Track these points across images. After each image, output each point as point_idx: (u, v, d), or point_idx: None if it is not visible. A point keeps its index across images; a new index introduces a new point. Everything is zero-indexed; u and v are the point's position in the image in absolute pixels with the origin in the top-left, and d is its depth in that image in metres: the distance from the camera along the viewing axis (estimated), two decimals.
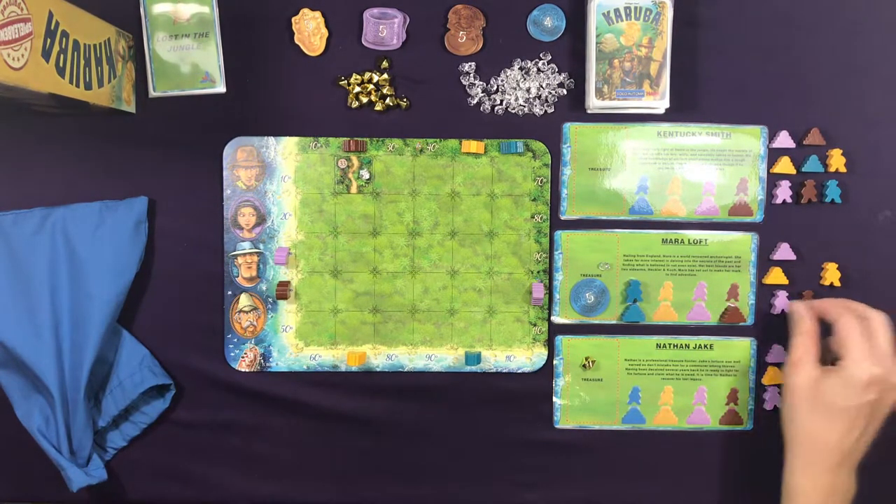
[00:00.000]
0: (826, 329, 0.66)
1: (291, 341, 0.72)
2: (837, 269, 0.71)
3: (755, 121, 0.71)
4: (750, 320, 0.72)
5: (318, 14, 0.70)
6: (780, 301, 0.71)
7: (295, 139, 0.70)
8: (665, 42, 0.68)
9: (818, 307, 0.67)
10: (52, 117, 0.69)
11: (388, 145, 0.71)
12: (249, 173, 0.71)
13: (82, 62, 0.60)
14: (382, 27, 0.70)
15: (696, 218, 0.72)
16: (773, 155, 0.71)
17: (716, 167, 0.71)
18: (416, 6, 0.70)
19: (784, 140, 0.71)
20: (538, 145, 0.71)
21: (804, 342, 0.65)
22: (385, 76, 0.69)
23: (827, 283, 0.71)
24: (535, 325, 0.72)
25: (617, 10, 0.67)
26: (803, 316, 0.66)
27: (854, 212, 0.71)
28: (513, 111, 0.71)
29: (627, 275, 0.72)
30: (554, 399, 0.73)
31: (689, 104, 0.71)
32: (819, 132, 0.70)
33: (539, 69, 0.70)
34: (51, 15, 0.55)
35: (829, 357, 0.65)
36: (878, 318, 0.63)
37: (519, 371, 0.72)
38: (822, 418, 0.61)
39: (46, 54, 0.55)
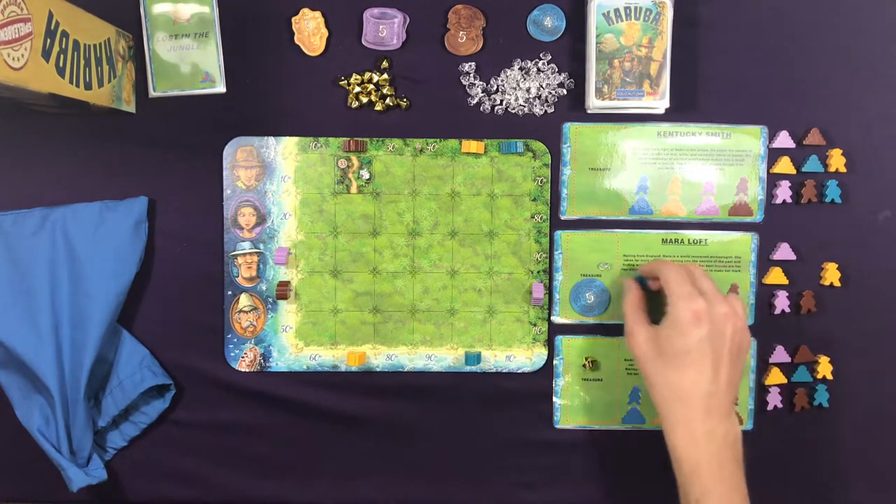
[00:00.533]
0: None
1: (291, 341, 0.72)
2: (837, 269, 0.71)
3: (755, 121, 0.71)
4: (750, 320, 0.72)
5: (318, 14, 0.70)
6: (781, 301, 0.71)
7: (295, 139, 0.70)
8: (665, 42, 0.68)
9: (645, 269, 0.68)
10: (52, 117, 0.69)
11: (388, 145, 0.71)
12: (249, 173, 0.71)
13: (82, 62, 0.60)
14: (382, 27, 0.70)
15: (696, 218, 0.72)
16: (773, 155, 0.71)
17: (716, 167, 0.71)
18: (416, 6, 0.70)
19: (784, 140, 0.71)
20: (538, 145, 0.71)
21: (631, 311, 0.65)
22: (385, 76, 0.69)
23: (827, 283, 0.71)
24: (535, 325, 0.72)
25: (617, 10, 0.67)
26: (628, 287, 0.67)
27: (854, 212, 0.71)
28: (513, 111, 0.71)
29: (627, 275, 0.72)
30: (554, 399, 0.73)
31: (689, 104, 0.71)
32: (819, 132, 0.70)
33: (539, 69, 0.70)
34: (51, 15, 0.55)
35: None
36: (695, 266, 0.65)
37: (519, 371, 0.72)
38: (669, 369, 0.61)
39: (46, 54, 0.55)
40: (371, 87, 0.70)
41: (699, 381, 0.60)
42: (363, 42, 0.70)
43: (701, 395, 0.60)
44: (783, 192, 0.71)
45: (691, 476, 0.58)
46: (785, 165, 0.71)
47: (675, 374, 0.60)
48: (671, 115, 0.70)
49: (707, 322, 0.60)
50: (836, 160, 0.70)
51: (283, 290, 0.70)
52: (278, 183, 0.71)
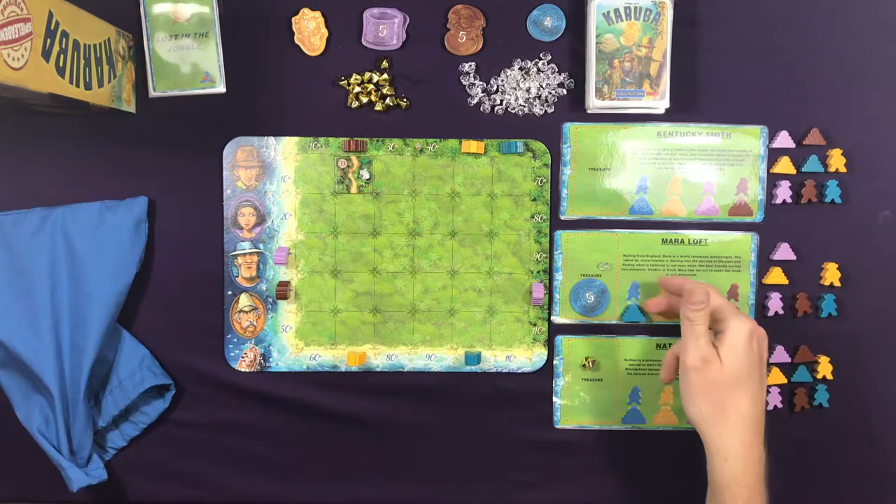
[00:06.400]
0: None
1: (291, 341, 0.72)
2: (837, 269, 0.71)
3: (755, 121, 0.71)
4: None
5: (318, 14, 0.70)
6: (774, 303, 0.71)
7: (295, 139, 0.70)
8: (665, 42, 0.68)
9: (669, 284, 0.68)
10: (52, 117, 0.69)
11: (388, 145, 0.71)
12: (249, 173, 0.71)
13: (82, 62, 0.60)
14: (382, 27, 0.70)
15: (696, 218, 0.72)
16: (773, 155, 0.71)
17: (716, 167, 0.71)
18: (416, 6, 0.70)
19: (784, 140, 0.71)
20: (538, 145, 0.71)
21: (705, 341, 0.61)
22: (385, 76, 0.69)
23: (827, 283, 0.71)
24: (535, 325, 0.72)
25: (617, 10, 0.67)
26: (695, 318, 0.62)
27: (854, 212, 0.71)
28: (513, 111, 0.71)
29: (627, 275, 0.72)
30: (554, 399, 0.73)
31: (689, 104, 0.71)
32: (819, 132, 0.70)
33: (539, 69, 0.70)
34: (51, 15, 0.55)
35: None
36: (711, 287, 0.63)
37: (519, 371, 0.72)
38: (741, 394, 0.60)
39: (46, 54, 0.55)
40: (371, 87, 0.70)
41: (758, 402, 0.60)
42: (363, 42, 0.70)
43: (759, 417, 0.60)
44: (783, 192, 0.71)
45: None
46: (785, 165, 0.71)
47: (742, 397, 0.60)
48: (671, 115, 0.70)
49: (756, 340, 0.61)
50: (836, 160, 0.70)
51: (283, 290, 0.70)
52: (278, 183, 0.71)
